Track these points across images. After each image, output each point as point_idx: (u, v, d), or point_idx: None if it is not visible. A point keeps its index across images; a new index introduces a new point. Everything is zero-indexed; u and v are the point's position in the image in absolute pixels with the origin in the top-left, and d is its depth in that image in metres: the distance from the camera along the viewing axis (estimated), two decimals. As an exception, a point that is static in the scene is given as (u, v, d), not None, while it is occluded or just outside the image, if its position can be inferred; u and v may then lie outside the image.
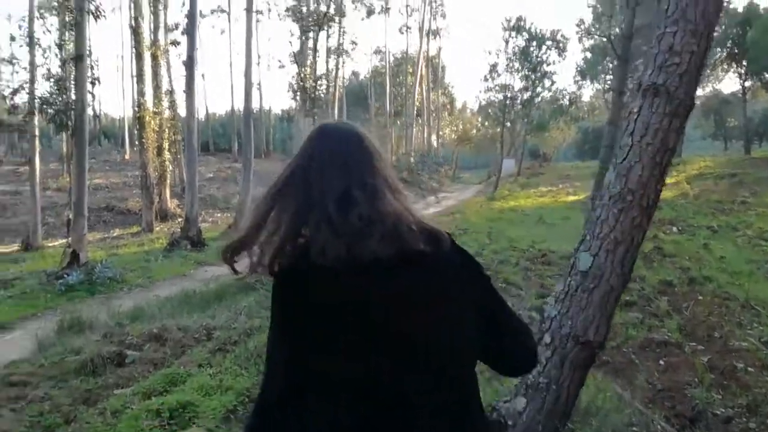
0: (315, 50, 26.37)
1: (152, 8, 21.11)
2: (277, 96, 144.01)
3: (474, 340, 1.13)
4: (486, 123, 47.29)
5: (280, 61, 64.67)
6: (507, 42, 25.13)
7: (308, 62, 23.73)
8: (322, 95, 25.75)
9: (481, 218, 14.91)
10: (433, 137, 48.12)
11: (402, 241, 1.05)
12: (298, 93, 26.70)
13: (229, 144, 39.31)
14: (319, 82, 24.02)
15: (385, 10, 38.12)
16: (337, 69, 28.80)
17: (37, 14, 14.90)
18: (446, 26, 43.00)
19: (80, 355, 4.35)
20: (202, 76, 47.15)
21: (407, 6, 41.54)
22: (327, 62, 33.36)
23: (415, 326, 1.06)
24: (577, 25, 38.07)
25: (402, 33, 41.50)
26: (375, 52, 47.81)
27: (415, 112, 41.19)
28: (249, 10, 17.23)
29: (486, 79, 29.43)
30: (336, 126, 1.25)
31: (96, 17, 10.92)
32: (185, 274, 11.42)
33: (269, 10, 41.11)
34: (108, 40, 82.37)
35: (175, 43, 24.70)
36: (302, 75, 22.05)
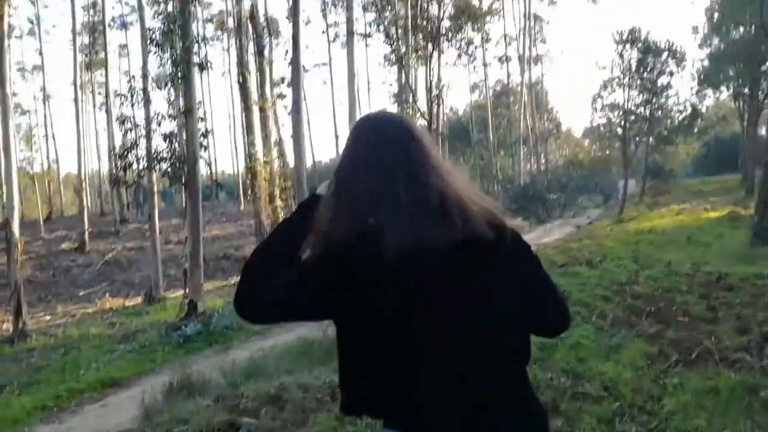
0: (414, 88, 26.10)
1: (258, 64, 21.67)
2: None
3: (520, 319, 1.23)
4: (596, 144, 44.77)
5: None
6: (621, 55, 23.39)
7: (408, 100, 23.29)
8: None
9: (616, 242, 13.33)
10: (540, 162, 46.10)
11: (472, 226, 1.13)
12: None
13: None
14: (421, 118, 23.55)
15: (484, 40, 37.33)
16: (439, 104, 28.20)
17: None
18: (546, 52, 41.15)
19: (188, 425, 3.63)
20: (308, 124, 48.60)
21: (504, 35, 40.47)
22: (428, 99, 33.04)
23: (475, 310, 1.16)
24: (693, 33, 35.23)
25: (501, 63, 40.41)
26: (472, 88, 47.17)
27: (521, 140, 39.67)
28: (350, 70, 17.00)
29: (599, 97, 27.51)
30: (385, 115, 1.40)
31: (202, 69, 10.93)
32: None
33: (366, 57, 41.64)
34: (218, 98, 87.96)
35: (281, 96, 25.33)
36: (402, 109, 21.57)
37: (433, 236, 1.09)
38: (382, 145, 1.20)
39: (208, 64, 11.09)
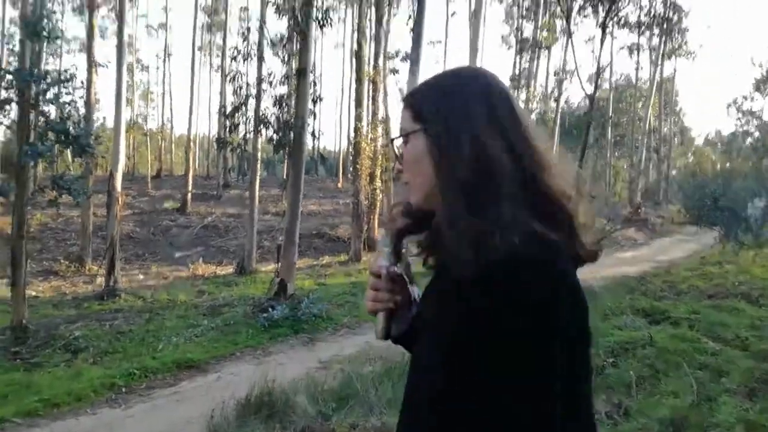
0: (535, 73, 24.26)
1: (375, 33, 20.74)
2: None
3: None
4: (720, 154, 40.66)
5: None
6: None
7: (530, 86, 21.56)
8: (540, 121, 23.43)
9: (767, 273, 11.21)
10: (662, 168, 42.41)
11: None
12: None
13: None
14: (538, 106, 21.81)
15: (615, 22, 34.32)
16: (560, 92, 26.17)
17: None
18: (685, 44, 37.01)
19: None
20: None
21: (638, 21, 37.04)
22: (546, 86, 30.90)
23: None
24: None
25: (632, 53, 37.04)
26: (588, 80, 43.97)
27: (646, 142, 36.45)
28: (473, 46, 15.61)
29: (745, 99, 24.33)
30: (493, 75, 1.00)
31: (322, 26, 9.99)
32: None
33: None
34: (327, 71, 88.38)
35: (394, 71, 24.29)
36: (528, 96, 19.90)
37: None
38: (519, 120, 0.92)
39: (328, 21, 10.11)
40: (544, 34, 21.74)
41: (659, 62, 34.94)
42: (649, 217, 30.67)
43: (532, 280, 0.79)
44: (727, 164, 42.64)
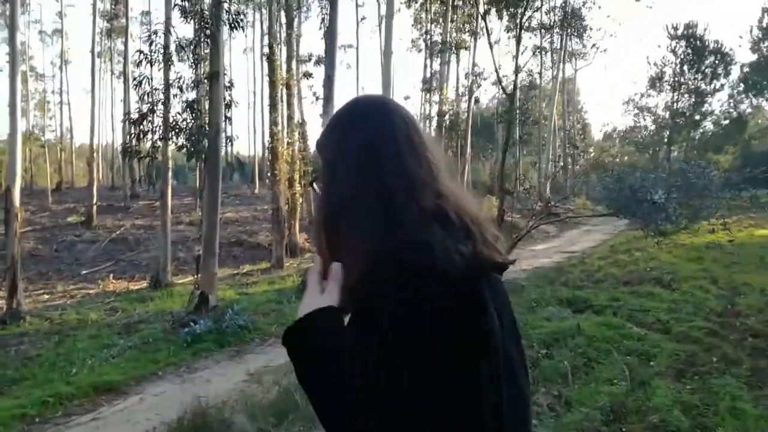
0: (445, 76, 24.77)
1: (286, 36, 20.47)
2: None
3: None
4: (625, 148, 43.26)
5: (407, 97, 63.87)
6: (674, 52, 21.84)
7: (443, 88, 21.95)
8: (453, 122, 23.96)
9: (675, 258, 11.99)
10: (569, 166, 44.62)
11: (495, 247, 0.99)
12: (433, 120, 25.14)
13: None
14: (452, 108, 22.27)
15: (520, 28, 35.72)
16: (471, 94, 26.81)
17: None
18: (583, 48, 39.12)
19: None
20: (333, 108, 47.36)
21: (540, 29, 38.79)
22: (456, 89, 31.65)
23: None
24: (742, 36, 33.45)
25: (535, 55, 38.64)
26: (494, 83, 45.46)
27: (551, 140, 38.17)
28: (387, 47, 15.74)
29: (635, 98, 26.00)
30: (385, 98, 1.14)
31: (232, 28, 9.69)
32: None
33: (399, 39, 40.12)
34: (237, 76, 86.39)
35: (307, 74, 24.07)
36: (441, 98, 20.27)
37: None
38: (397, 138, 1.00)
39: (239, 23, 9.81)
40: (455, 36, 22.20)
41: (561, 64, 36.75)
42: (558, 211, 32.13)
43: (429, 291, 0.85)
44: (626, 157, 45.33)
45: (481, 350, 0.86)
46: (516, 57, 14.71)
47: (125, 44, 29.47)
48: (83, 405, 6.04)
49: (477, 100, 49.88)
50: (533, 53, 39.24)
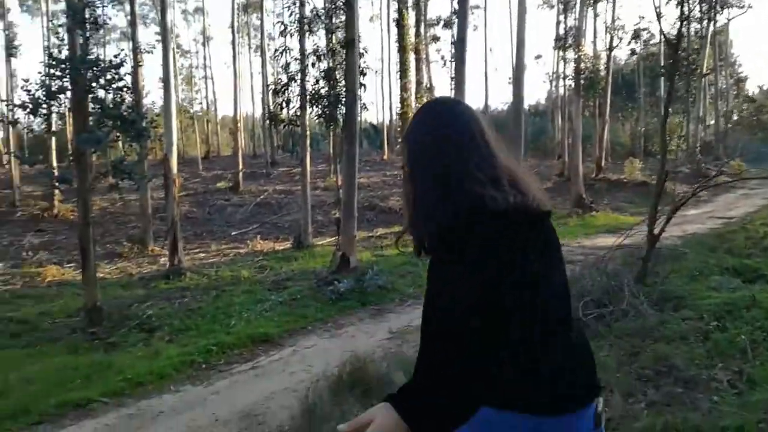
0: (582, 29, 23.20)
1: (414, 0, 20.26)
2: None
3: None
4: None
5: (538, 56, 61.11)
6: None
7: (580, 44, 20.60)
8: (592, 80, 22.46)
9: None
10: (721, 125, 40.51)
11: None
12: (568, 79, 23.87)
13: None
14: (590, 65, 20.89)
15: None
16: (610, 49, 25.00)
17: None
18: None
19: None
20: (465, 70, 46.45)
21: (690, -28, 35.07)
22: (594, 45, 29.71)
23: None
24: None
25: (681, 4, 35.12)
26: (634, 37, 41.91)
27: (702, 95, 34.77)
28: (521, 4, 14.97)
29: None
30: (453, 100, 1.53)
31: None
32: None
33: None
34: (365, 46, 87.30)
35: (435, 38, 23.78)
36: (578, 55, 19.10)
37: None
38: (473, 122, 1.37)
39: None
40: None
41: (712, 13, 33.07)
42: (710, 173, 29.40)
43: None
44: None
45: (512, 262, 1.20)
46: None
47: (261, 19, 30.93)
48: (242, 354, 6.50)
49: (614, 58, 46.67)
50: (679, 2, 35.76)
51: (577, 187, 19.29)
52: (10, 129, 23.74)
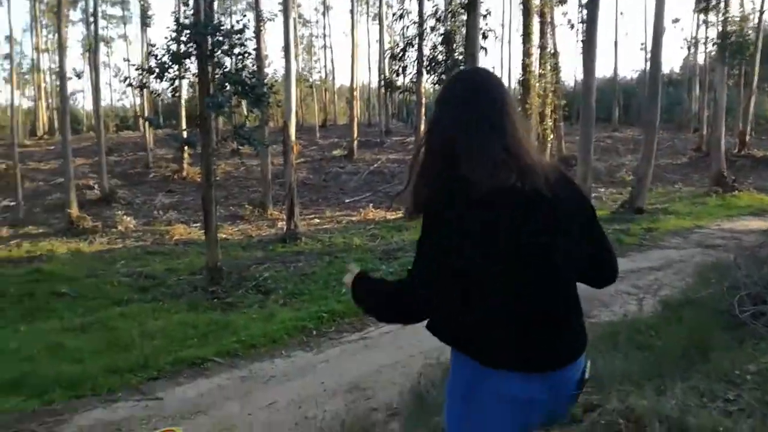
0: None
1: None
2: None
3: (584, 253, 1.49)
4: None
5: (676, 20, 56.11)
6: None
7: (727, 3, 18.34)
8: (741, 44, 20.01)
9: None
10: None
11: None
12: (710, 44, 21.54)
13: (609, 112, 35.35)
14: (740, 25, 18.63)
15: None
16: (762, 11, 22.15)
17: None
18: None
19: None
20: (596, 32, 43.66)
21: None
22: (741, 5, 26.62)
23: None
24: None
25: None
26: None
27: None
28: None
29: None
30: (482, 72, 1.56)
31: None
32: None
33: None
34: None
35: (562, 0, 22.30)
36: (725, 17, 17.07)
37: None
38: (486, 102, 1.43)
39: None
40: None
41: None
42: None
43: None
44: None
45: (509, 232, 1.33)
46: None
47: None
48: (353, 324, 6.40)
49: (763, 21, 41.65)
50: None
51: (718, 163, 17.51)
52: (145, 95, 25.47)
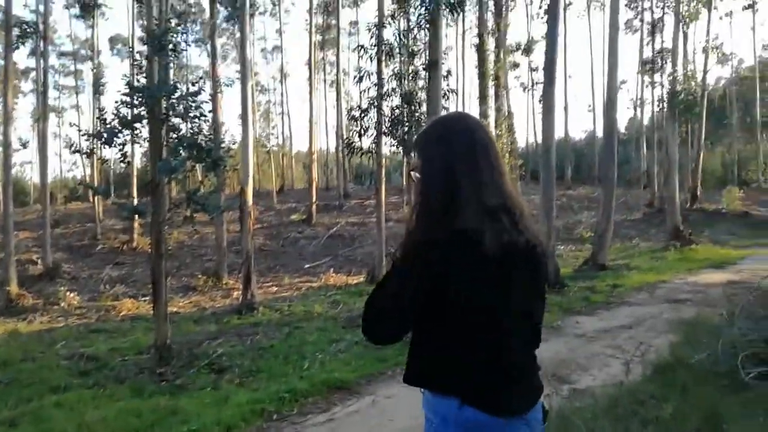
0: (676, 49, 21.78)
1: (494, 26, 19.64)
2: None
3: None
4: None
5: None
6: None
7: (676, 64, 19.22)
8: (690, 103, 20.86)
9: None
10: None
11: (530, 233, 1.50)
12: (655, 104, 22.40)
13: (562, 171, 36.16)
14: (688, 84, 19.42)
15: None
16: (705, 71, 23.38)
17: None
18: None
19: None
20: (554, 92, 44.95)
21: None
22: (684, 68, 28.12)
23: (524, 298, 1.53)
24: None
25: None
26: (719, 62, 39.32)
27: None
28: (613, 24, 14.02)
29: None
30: (466, 118, 1.63)
31: (453, 10, 9.12)
32: (552, 325, 8.58)
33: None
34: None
35: (515, 65, 23.04)
36: (674, 77, 17.79)
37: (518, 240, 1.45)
38: (476, 151, 1.49)
39: (460, 8, 9.23)
40: (687, 6, 19.37)
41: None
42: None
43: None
44: None
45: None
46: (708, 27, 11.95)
47: (337, 55, 31.20)
48: (317, 403, 5.80)
49: (704, 80, 44.13)
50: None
51: (673, 218, 17.78)
52: (94, 165, 24.71)
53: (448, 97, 10.30)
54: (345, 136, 17.05)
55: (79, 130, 9.21)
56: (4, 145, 17.51)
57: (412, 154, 1.76)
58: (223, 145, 10.36)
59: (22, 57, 66.73)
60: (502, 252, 1.37)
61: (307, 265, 17.13)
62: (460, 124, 1.54)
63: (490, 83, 18.31)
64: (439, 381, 1.47)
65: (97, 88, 23.09)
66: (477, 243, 1.35)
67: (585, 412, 3.33)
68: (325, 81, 38.40)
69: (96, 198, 20.95)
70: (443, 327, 1.44)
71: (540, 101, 13.57)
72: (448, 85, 10.24)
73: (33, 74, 28.86)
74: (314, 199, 23.90)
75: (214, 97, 15.16)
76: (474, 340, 1.43)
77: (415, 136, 1.61)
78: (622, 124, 48.63)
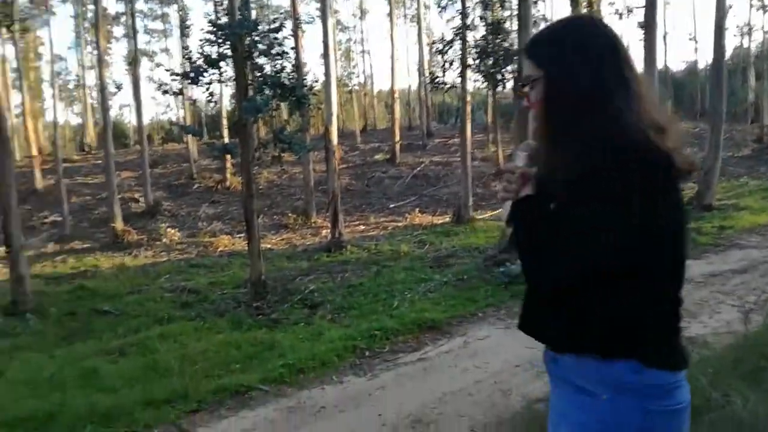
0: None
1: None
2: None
3: None
4: None
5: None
6: None
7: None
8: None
9: None
10: None
11: None
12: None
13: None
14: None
15: None
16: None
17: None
18: None
19: None
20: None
21: None
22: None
23: None
24: None
25: None
26: None
27: None
28: None
29: None
30: (601, 22, 1.33)
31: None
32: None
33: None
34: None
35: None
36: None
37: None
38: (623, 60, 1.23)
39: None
40: None
41: None
42: None
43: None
44: None
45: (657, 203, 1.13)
46: None
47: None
48: (408, 342, 5.81)
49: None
50: None
51: (788, 153, 16.23)
52: (186, 107, 25.51)
53: (538, 25, 9.65)
54: (427, 73, 16.55)
55: (167, 70, 9.38)
56: (100, 88, 18.37)
57: (526, 70, 1.24)
58: (306, 84, 10.31)
59: (111, 2, 69.18)
60: (682, 178, 1.19)
61: (392, 205, 17.15)
62: (599, 28, 1.26)
63: (583, 10, 17.04)
64: (612, 342, 1.20)
65: (183, 30, 23.55)
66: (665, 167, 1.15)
67: (705, 365, 3.07)
68: (405, 16, 37.27)
69: (190, 139, 21.72)
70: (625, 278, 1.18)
71: (639, 25, 12.44)
72: (538, 11, 9.57)
73: (123, 19, 29.79)
74: (397, 138, 23.66)
75: (295, 36, 15.05)
76: (661, 288, 1.20)
77: (530, 43, 1.30)
78: (727, 53, 44.48)
